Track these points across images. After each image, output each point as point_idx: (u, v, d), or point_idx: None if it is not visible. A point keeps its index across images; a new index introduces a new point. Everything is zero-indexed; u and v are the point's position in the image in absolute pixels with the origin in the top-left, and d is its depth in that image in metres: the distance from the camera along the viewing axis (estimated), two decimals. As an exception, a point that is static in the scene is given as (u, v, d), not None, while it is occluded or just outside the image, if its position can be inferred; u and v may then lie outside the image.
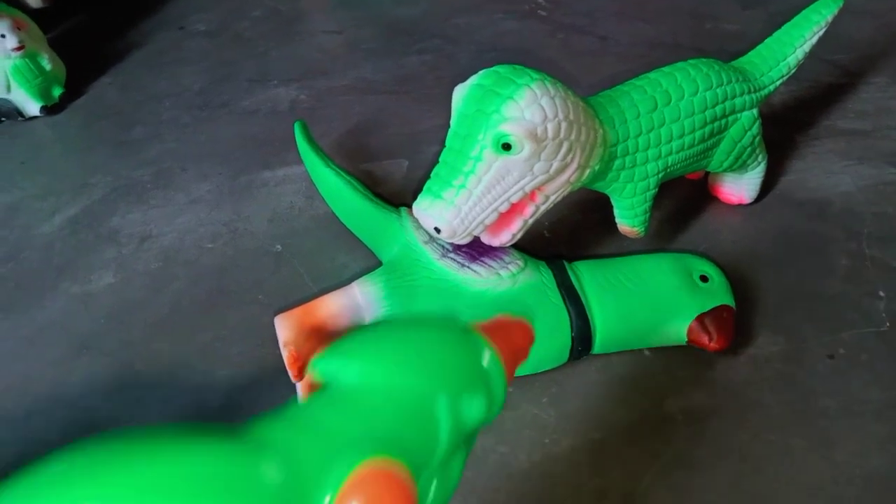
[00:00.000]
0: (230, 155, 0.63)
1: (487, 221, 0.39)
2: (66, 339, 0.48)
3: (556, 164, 0.38)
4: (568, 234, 0.53)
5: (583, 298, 0.42)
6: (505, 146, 0.37)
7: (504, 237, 0.41)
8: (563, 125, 0.37)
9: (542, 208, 0.41)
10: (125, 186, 0.61)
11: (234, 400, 0.43)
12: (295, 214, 0.56)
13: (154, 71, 0.75)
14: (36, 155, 0.65)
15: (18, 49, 0.66)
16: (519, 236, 0.41)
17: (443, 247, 0.43)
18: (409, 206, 0.50)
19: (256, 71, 0.74)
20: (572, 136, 0.38)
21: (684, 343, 0.43)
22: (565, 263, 0.44)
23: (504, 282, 0.41)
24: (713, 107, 0.46)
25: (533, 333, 0.29)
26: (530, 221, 0.41)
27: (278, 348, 0.46)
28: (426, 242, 0.43)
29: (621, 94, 0.44)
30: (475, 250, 0.43)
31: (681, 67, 0.46)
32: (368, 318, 0.41)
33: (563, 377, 0.43)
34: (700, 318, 0.42)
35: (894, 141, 0.60)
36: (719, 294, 0.43)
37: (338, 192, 0.51)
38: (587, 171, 0.41)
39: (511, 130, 0.36)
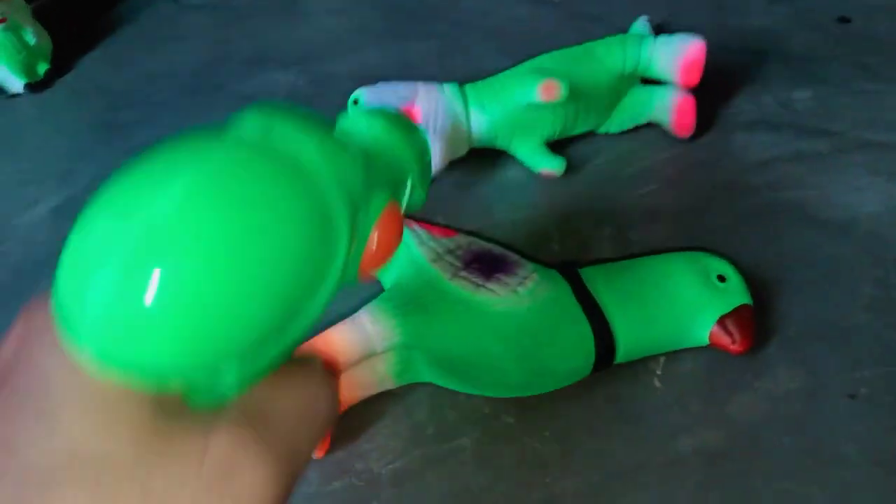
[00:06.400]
0: (223, 144, 0.60)
1: None
2: (42, 343, 0.46)
3: None
4: (578, 247, 0.50)
5: (603, 309, 0.40)
6: None
7: None
8: None
9: None
10: (111, 175, 0.57)
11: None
12: (289, 213, 0.53)
13: (146, 47, 0.72)
14: (19, 136, 0.62)
15: (0, 21, 0.62)
16: None
17: (454, 265, 0.40)
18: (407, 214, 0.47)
19: (254, 52, 0.70)
20: None
21: (705, 345, 0.41)
22: (578, 271, 0.42)
23: (523, 300, 0.39)
24: None
25: None
26: None
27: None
28: (434, 261, 0.40)
29: None
30: (488, 266, 0.40)
31: None
32: (380, 349, 0.38)
33: (567, 408, 0.41)
34: (721, 321, 0.41)
35: (927, 157, 0.57)
36: (738, 293, 0.42)
37: None
38: None
39: None
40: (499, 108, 0.51)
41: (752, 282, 0.47)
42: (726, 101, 0.61)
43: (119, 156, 0.59)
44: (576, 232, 0.51)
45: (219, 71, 0.68)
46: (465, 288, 0.39)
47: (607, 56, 0.53)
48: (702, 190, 0.54)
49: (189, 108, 0.64)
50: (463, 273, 0.40)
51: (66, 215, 0.54)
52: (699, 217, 0.52)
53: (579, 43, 0.58)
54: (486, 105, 0.51)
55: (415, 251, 0.41)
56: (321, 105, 0.63)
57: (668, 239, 0.50)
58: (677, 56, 0.52)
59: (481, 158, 0.55)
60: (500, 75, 0.53)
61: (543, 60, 0.53)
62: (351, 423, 0.40)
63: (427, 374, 0.41)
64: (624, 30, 0.70)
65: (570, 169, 0.54)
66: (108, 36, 0.73)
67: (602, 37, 0.58)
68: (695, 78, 0.52)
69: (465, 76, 0.68)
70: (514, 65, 0.56)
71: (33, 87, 0.65)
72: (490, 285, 0.39)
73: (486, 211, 0.53)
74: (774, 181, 0.54)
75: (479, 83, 0.53)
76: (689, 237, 0.51)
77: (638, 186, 0.55)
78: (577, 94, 0.51)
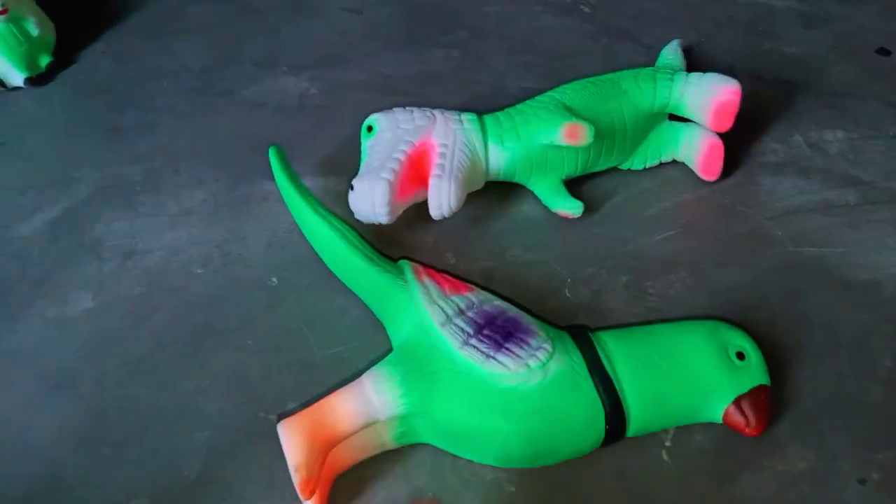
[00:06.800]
0: (229, 157, 0.57)
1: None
2: (37, 372, 0.44)
3: None
4: (591, 295, 0.49)
5: (615, 383, 0.38)
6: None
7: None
8: None
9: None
10: (113, 186, 0.55)
11: (213, 469, 0.40)
12: (294, 241, 0.51)
13: (152, 41, 0.69)
14: (18, 135, 0.59)
15: (1, 13, 0.59)
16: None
17: (464, 331, 0.38)
18: (410, 258, 0.46)
19: (264, 52, 0.67)
20: None
21: (718, 423, 0.40)
22: (591, 336, 0.40)
23: (534, 374, 0.37)
24: None
25: None
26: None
27: (262, 407, 0.42)
28: (444, 325, 0.39)
29: None
30: (499, 335, 0.39)
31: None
32: (383, 418, 0.37)
33: (572, 479, 0.40)
34: (737, 401, 0.39)
35: (960, 216, 0.55)
36: (756, 373, 0.40)
37: (330, 245, 0.46)
38: None
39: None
40: (519, 145, 0.49)
41: (769, 345, 0.46)
42: (755, 138, 0.59)
43: (122, 164, 0.58)
44: (590, 278, 0.49)
45: (226, 72, 0.65)
46: (473, 359, 0.37)
47: (636, 92, 0.51)
48: (723, 238, 0.52)
49: (193, 114, 0.61)
50: (473, 342, 0.38)
51: (64, 229, 0.52)
52: (718, 269, 0.50)
53: (606, 63, 0.56)
54: (505, 140, 0.49)
55: (424, 313, 0.39)
56: (331, 116, 0.61)
57: (685, 292, 0.49)
58: (710, 98, 0.50)
59: (497, 192, 0.53)
60: (522, 107, 0.51)
61: (568, 96, 0.50)
62: (349, 484, 0.39)
63: (428, 439, 0.40)
64: (653, 48, 0.67)
65: (588, 206, 0.52)
66: (114, 25, 0.70)
67: (631, 62, 0.55)
68: (726, 124, 0.50)
69: (485, 93, 0.65)
70: (537, 86, 0.53)
71: (35, 80, 0.63)
72: (500, 357, 0.37)
73: (498, 249, 0.51)
74: (799, 234, 0.52)
75: (500, 115, 0.50)
76: (707, 291, 0.49)
77: (657, 230, 0.52)
78: (601, 134, 0.49)
